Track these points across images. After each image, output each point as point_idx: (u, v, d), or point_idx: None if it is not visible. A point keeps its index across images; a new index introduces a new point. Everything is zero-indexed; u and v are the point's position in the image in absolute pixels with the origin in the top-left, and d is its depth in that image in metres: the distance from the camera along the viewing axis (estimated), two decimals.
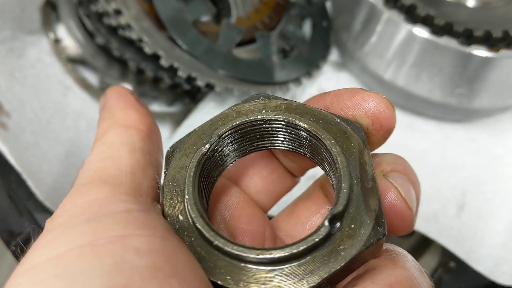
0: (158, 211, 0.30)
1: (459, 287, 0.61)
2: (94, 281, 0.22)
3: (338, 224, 0.28)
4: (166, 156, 0.33)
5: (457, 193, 0.69)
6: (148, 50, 0.63)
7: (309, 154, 0.34)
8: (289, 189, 0.40)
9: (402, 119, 0.77)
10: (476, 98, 0.70)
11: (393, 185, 0.31)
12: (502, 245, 0.64)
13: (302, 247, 0.27)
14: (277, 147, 0.35)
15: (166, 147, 0.34)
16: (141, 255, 0.24)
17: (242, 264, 0.27)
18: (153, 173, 0.32)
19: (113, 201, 0.28)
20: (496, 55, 0.64)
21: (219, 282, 0.27)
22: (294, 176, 0.40)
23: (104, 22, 0.67)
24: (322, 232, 0.27)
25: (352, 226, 0.28)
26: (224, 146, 0.34)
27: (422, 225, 0.64)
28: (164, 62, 0.64)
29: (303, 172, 0.40)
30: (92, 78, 0.73)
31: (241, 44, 0.72)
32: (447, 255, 0.63)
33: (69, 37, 0.71)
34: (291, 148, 0.35)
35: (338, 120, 0.32)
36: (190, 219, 0.29)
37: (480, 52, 0.64)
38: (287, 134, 0.34)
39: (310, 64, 0.78)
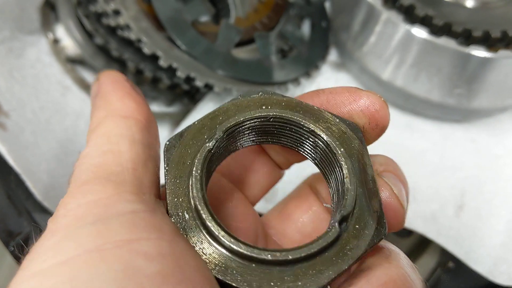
0: (163, 210, 0.29)
1: (458, 287, 0.61)
2: None
3: (344, 225, 0.29)
4: (164, 151, 0.32)
5: (456, 193, 0.69)
6: (147, 50, 0.63)
7: (309, 153, 0.34)
8: (276, 182, 0.40)
9: (401, 119, 0.77)
10: (475, 98, 0.70)
11: (388, 184, 0.32)
12: (501, 245, 0.64)
13: (315, 248, 0.27)
14: (278, 144, 0.35)
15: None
16: (150, 260, 0.24)
17: (254, 265, 0.27)
18: (153, 166, 0.31)
19: (117, 201, 0.27)
20: (495, 56, 0.64)
21: (232, 283, 0.27)
22: (281, 169, 0.40)
23: (103, 23, 0.67)
24: (333, 234, 0.28)
25: (357, 226, 0.29)
26: (227, 142, 0.33)
27: (420, 225, 0.64)
28: (163, 63, 0.64)
29: (289, 165, 0.40)
30: (91, 78, 0.73)
31: (240, 44, 0.72)
32: (446, 255, 0.63)
33: (68, 37, 0.71)
34: (291, 146, 0.35)
35: (337, 120, 0.32)
36: (198, 219, 0.29)
37: (479, 52, 0.64)
38: (292, 133, 0.34)
39: (309, 64, 0.77)
